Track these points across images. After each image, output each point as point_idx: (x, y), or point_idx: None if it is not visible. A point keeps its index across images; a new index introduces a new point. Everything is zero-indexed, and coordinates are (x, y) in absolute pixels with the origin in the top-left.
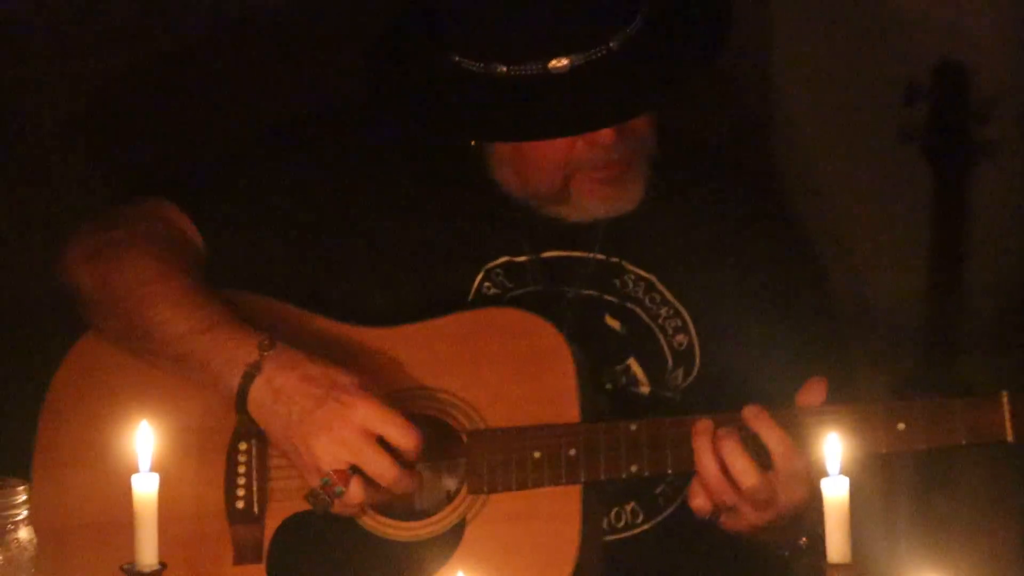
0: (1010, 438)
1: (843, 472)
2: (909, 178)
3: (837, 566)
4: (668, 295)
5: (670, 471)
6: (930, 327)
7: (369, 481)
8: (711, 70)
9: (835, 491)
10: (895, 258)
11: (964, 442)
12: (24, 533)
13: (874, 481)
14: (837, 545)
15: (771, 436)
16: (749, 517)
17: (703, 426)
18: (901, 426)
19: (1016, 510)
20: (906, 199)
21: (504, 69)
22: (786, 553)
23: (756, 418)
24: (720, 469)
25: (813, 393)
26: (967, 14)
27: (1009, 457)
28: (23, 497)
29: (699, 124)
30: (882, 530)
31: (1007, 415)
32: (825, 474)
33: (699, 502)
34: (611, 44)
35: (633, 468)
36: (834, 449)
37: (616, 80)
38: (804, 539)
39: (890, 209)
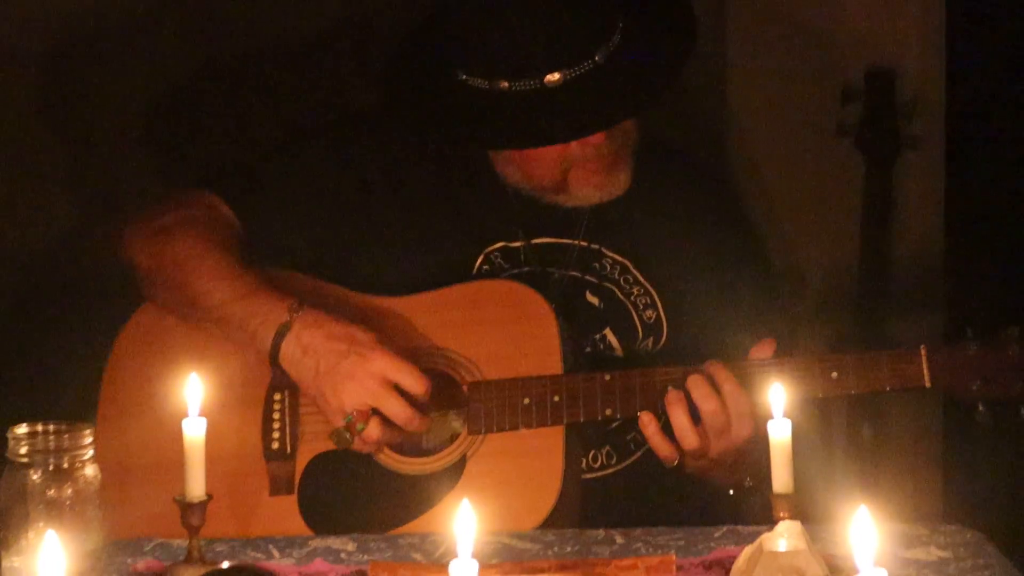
0: (928, 384)
1: (786, 414)
2: (845, 167)
3: (781, 496)
4: (640, 277)
5: (639, 413)
6: (861, 293)
7: (385, 421)
8: (680, 77)
9: (779, 433)
10: (831, 235)
11: (888, 388)
12: (90, 470)
13: (812, 420)
14: (781, 478)
15: (719, 375)
16: (709, 448)
17: (675, 396)
18: (835, 374)
19: (934, 439)
20: (842, 185)
21: (506, 85)
22: (731, 492)
23: (710, 365)
24: (688, 415)
25: (764, 349)
26: (895, 26)
27: (927, 397)
28: (89, 439)
29: (663, 126)
30: (819, 462)
31: (925, 365)
32: (771, 415)
33: (666, 452)
34: (596, 58)
35: (608, 411)
36: (778, 397)
37: (602, 90)
38: (749, 480)
39: (828, 193)
